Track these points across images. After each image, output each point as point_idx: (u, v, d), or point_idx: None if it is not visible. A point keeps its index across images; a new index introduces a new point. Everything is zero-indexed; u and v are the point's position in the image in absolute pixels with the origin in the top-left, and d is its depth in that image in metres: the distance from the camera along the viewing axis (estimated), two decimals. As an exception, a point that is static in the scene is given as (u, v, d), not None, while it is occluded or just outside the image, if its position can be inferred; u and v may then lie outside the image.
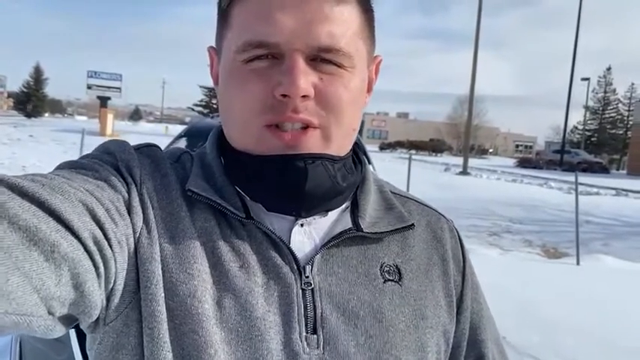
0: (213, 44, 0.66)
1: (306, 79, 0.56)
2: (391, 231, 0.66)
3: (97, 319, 0.54)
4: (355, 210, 0.66)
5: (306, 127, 0.58)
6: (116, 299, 0.53)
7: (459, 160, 28.95)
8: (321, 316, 0.58)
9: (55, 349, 2.25)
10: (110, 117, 32.31)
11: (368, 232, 0.64)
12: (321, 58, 0.57)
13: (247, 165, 0.61)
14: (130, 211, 0.56)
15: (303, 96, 0.56)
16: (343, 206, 0.66)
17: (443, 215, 0.76)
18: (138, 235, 0.56)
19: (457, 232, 0.75)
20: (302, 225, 0.63)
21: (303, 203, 0.60)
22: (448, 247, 0.71)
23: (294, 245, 0.61)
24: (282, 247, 0.60)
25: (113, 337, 0.54)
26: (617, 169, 45.08)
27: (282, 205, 0.61)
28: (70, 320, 0.50)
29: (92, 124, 37.39)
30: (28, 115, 53.88)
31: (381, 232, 0.65)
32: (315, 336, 0.57)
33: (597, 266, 6.50)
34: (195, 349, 0.53)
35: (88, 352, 0.59)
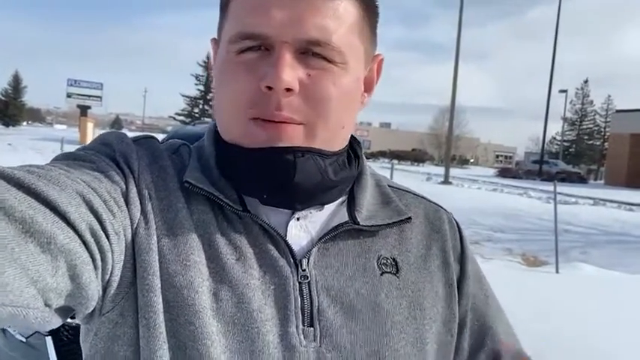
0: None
1: (292, 72, 0.55)
2: (388, 224, 0.65)
3: (93, 309, 0.54)
4: (352, 203, 0.66)
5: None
6: (112, 290, 0.53)
7: (441, 170, 29.23)
8: (318, 308, 0.58)
9: (32, 357, 2.20)
10: (90, 126, 31.91)
11: (364, 225, 0.63)
12: (312, 52, 0.57)
13: (236, 158, 0.60)
14: (127, 203, 0.56)
15: (288, 90, 0.55)
16: (340, 200, 0.66)
17: (441, 207, 0.75)
18: (135, 226, 0.55)
19: (457, 223, 0.75)
20: (298, 219, 0.62)
21: (293, 196, 0.60)
22: (448, 238, 0.70)
23: (290, 239, 0.61)
24: (278, 240, 0.60)
25: (109, 327, 0.54)
26: (595, 180, 45.86)
27: (274, 198, 0.61)
28: (66, 311, 0.49)
29: (72, 133, 36.88)
30: (7, 124, 52.97)
31: (378, 225, 0.65)
32: (312, 329, 0.57)
33: (576, 274, 6.58)
34: (191, 340, 0.52)
35: (82, 345, 0.59)
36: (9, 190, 0.43)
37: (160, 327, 0.52)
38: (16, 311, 0.42)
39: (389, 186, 0.73)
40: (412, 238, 0.68)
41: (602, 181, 36.88)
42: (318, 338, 0.57)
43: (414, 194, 0.75)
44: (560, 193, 10.30)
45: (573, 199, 17.65)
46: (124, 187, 0.57)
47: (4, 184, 0.44)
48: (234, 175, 0.62)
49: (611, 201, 18.18)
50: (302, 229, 0.62)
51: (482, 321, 0.71)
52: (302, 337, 0.56)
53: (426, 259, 0.67)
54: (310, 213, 0.63)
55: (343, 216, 0.64)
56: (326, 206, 0.64)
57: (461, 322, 0.69)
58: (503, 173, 38.45)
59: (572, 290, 5.68)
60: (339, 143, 0.64)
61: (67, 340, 2.22)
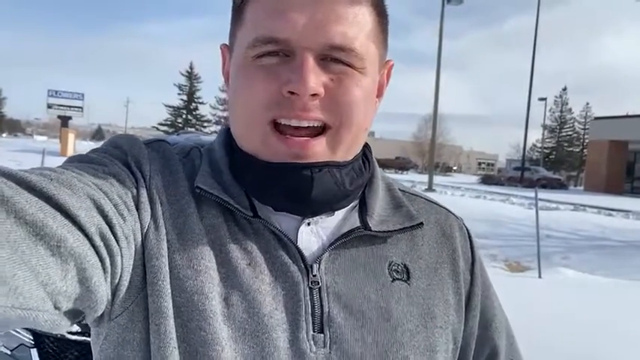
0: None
1: (317, 78, 0.55)
2: (399, 229, 0.65)
3: (103, 313, 0.54)
4: (363, 208, 0.65)
5: (314, 126, 0.57)
6: (122, 294, 0.53)
7: (425, 178, 29.40)
8: (328, 314, 0.58)
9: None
10: (71, 137, 31.45)
11: (376, 231, 0.63)
12: (332, 57, 0.57)
13: (254, 170, 0.60)
14: (138, 207, 0.56)
15: (313, 95, 0.55)
16: (351, 205, 0.65)
17: (452, 213, 0.74)
18: (145, 230, 0.55)
19: (467, 229, 0.74)
20: (309, 224, 0.62)
21: (308, 207, 0.60)
22: (458, 245, 0.70)
23: (301, 244, 0.61)
24: (289, 245, 0.59)
25: (118, 332, 0.54)
26: (575, 186, 46.48)
27: (288, 208, 0.61)
28: (75, 314, 0.50)
29: (52, 145, 36.35)
30: (-15, 135, 52.01)
31: (390, 231, 0.64)
32: (322, 335, 0.57)
33: (558, 279, 6.67)
34: (201, 346, 0.52)
35: (92, 347, 0.59)
36: (20, 193, 0.44)
37: (171, 333, 0.52)
38: (25, 314, 0.42)
39: (399, 190, 0.72)
40: (423, 244, 0.67)
41: (582, 187, 37.41)
42: (328, 344, 0.57)
43: (425, 199, 0.74)
44: (541, 200, 10.44)
45: (554, 205, 17.87)
46: (135, 191, 0.57)
47: (16, 186, 0.44)
48: (247, 182, 0.61)
49: (591, 206, 18.43)
50: (313, 234, 0.62)
51: (485, 331, 0.71)
52: (312, 342, 0.56)
53: (437, 267, 0.66)
54: (321, 218, 0.63)
55: (355, 221, 0.64)
56: (337, 211, 0.64)
57: (469, 331, 0.69)
58: (486, 180, 38.84)
59: (554, 295, 5.75)
60: (358, 148, 0.64)
61: (52, 352, 2.20)
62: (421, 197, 0.74)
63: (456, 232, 0.71)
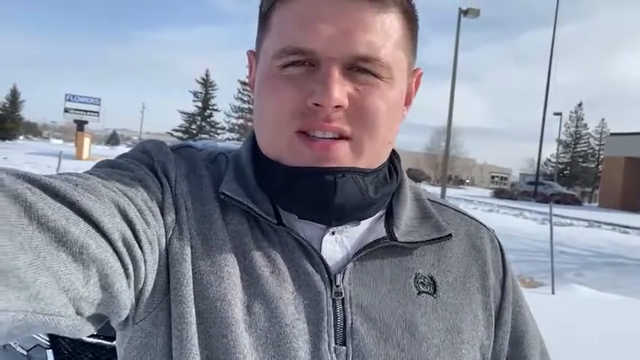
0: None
1: (341, 89, 0.55)
2: (427, 241, 0.63)
3: (127, 317, 0.54)
4: (390, 218, 0.63)
5: (337, 137, 0.57)
6: (146, 299, 0.53)
7: (437, 190, 29.25)
8: (351, 327, 0.56)
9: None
10: (87, 141, 31.84)
11: (402, 242, 0.61)
12: (359, 67, 0.56)
13: (278, 176, 0.59)
14: (163, 212, 0.56)
15: (337, 106, 0.55)
16: (377, 215, 0.64)
17: (484, 225, 0.72)
18: (170, 235, 0.55)
19: (499, 242, 0.71)
20: (333, 233, 0.61)
21: (332, 215, 0.59)
22: (488, 258, 0.67)
23: (325, 253, 0.60)
24: (313, 254, 0.59)
25: (142, 336, 0.54)
26: (589, 202, 45.96)
27: (312, 215, 0.60)
28: (99, 319, 0.50)
29: (68, 148, 36.81)
30: (3, 138, 52.86)
31: (416, 242, 0.62)
32: (344, 347, 0.56)
33: (572, 296, 6.59)
34: (223, 353, 0.52)
35: (117, 349, 0.59)
36: (44, 199, 0.44)
37: (193, 339, 0.52)
38: (47, 319, 0.42)
39: (429, 200, 0.70)
40: (452, 256, 0.65)
41: (597, 204, 36.96)
42: (350, 358, 0.55)
43: (455, 210, 0.72)
44: (555, 215, 10.35)
45: (568, 221, 17.69)
46: (160, 196, 0.57)
47: (40, 192, 0.44)
48: (271, 189, 0.61)
49: (606, 223, 18.21)
50: (337, 244, 0.61)
51: (517, 348, 0.68)
52: (334, 355, 0.55)
53: (466, 280, 0.64)
54: (346, 228, 0.62)
55: (381, 231, 0.62)
56: (362, 221, 0.63)
57: (498, 348, 0.66)
58: (499, 194, 38.60)
59: (568, 312, 5.68)
60: (382, 158, 0.62)
61: (67, 353, 2.22)
62: (451, 208, 0.72)
63: (487, 245, 0.69)
